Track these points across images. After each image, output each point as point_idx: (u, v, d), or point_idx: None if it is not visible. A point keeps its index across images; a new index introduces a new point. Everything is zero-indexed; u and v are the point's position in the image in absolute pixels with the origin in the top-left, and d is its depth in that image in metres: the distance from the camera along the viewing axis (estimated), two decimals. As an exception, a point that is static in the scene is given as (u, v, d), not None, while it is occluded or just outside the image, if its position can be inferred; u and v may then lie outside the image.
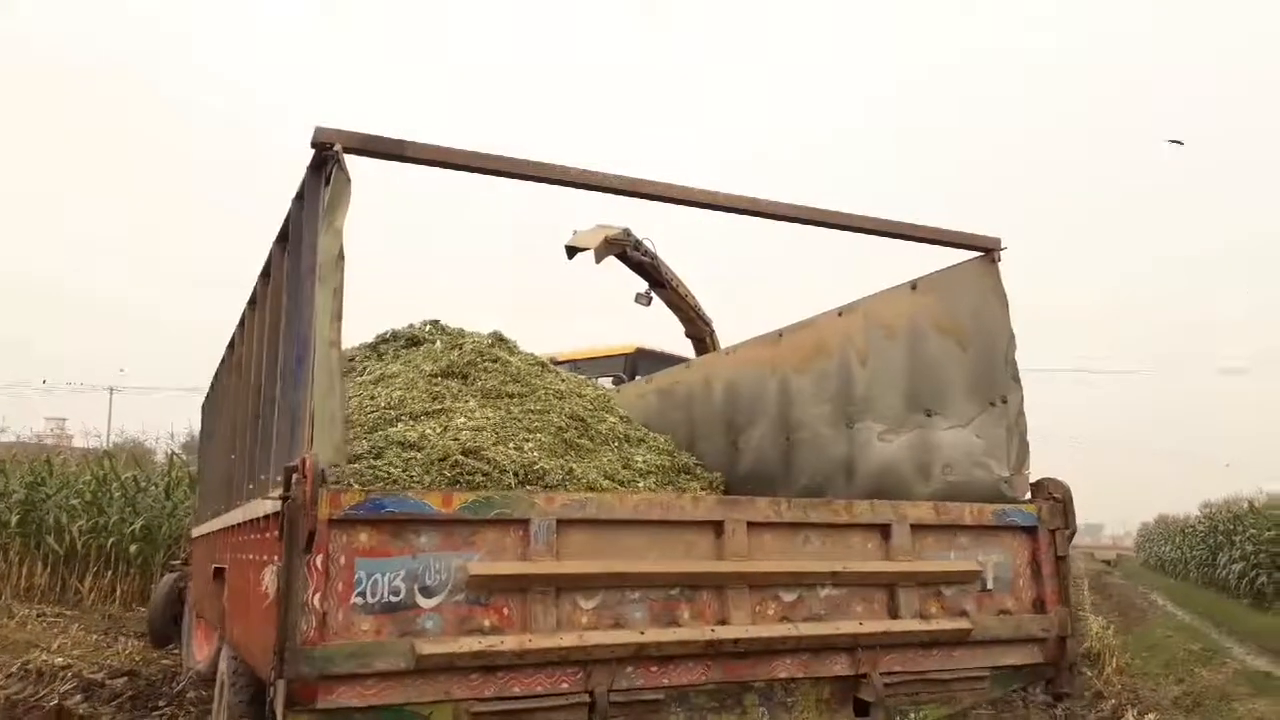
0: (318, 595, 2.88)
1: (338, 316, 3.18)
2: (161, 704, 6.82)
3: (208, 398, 7.48)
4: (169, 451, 19.21)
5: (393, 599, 2.99)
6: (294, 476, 2.92)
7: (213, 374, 6.92)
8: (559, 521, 3.23)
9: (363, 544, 2.99)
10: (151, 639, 8.60)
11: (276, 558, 2.97)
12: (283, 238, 3.94)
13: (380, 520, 3.01)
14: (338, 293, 3.19)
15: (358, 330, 6.42)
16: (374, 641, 2.94)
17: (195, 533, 7.16)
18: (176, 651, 8.38)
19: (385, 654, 2.93)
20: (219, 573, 5.01)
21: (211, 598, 5.34)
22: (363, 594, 2.96)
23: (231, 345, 5.83)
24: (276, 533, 3.03)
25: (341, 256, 3.21)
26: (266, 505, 3.40)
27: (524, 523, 3.19)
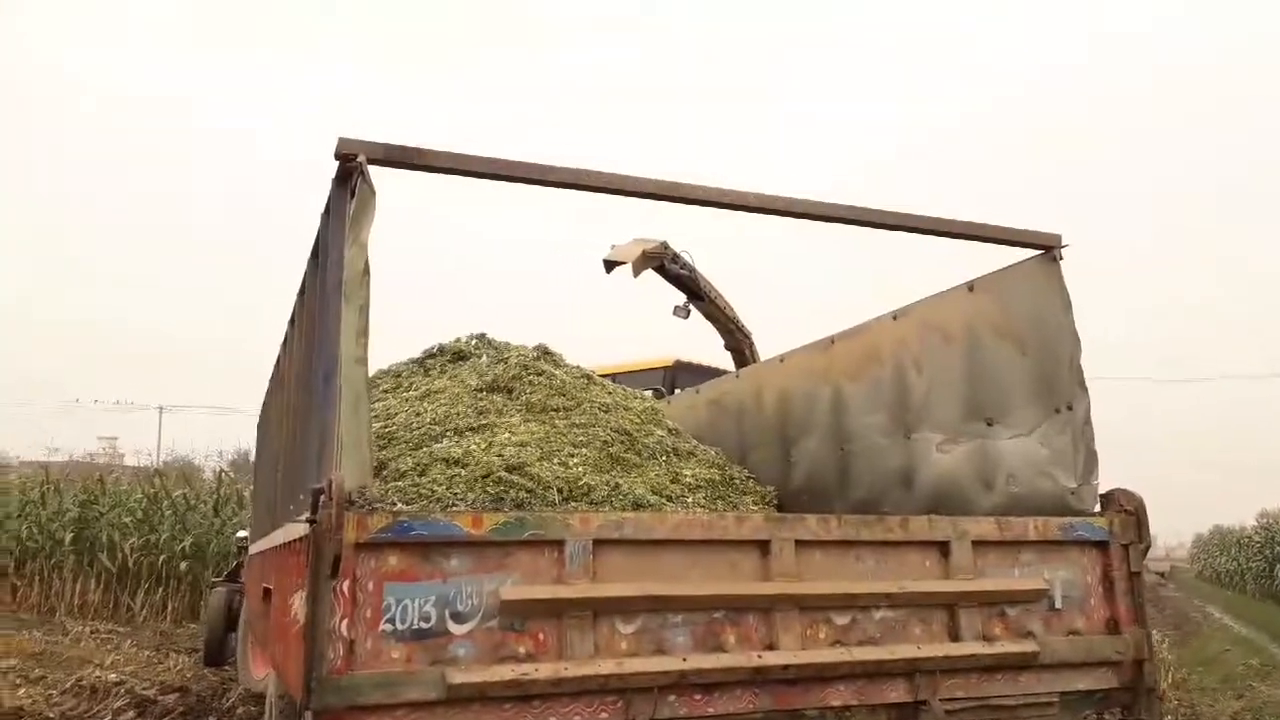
0: (345, 622, 2.80)
1: (363, 333, 3.13)
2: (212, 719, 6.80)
3: (261, 417, 7.59)
4: (217, 469, 19.58)
5: (423, 625, 2.91)
6: (320, 499, 2.85)
7: (265, 393, 6.98)
8: (595, 542, 3.14)
9: (391, 568, 2.92)
10: (206, 656, 8.69)
11: (305, 583, 2.90)
12: (314, 254, 3.93)
13: (409, 544, 2.94)
14: (364, 309, 3.15)
15: (405, 345, 6.42)
16: (403, 670, 2.86)
17: (251, 550, 7.21)
18: (228, 669, 8.43)
19: (415, 683, 2.85)
20: (267, 593, 4.98)
21: (261, 618, 5.32)
22: (391, 620, 2.88)
23: (277, 363, 5.86)
24: (305, 557, 2.96)
25: (367, 271, 3.18)
26: (298, 528, 3.33)
27: (558, 544, 3.11)
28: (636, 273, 8.43)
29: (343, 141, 3.21)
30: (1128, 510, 3.93)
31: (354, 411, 3.08)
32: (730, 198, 3.83)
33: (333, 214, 3.44)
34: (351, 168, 3.23)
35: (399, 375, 5.96)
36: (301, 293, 4.47)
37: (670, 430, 5.57)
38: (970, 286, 4.62)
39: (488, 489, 4.15)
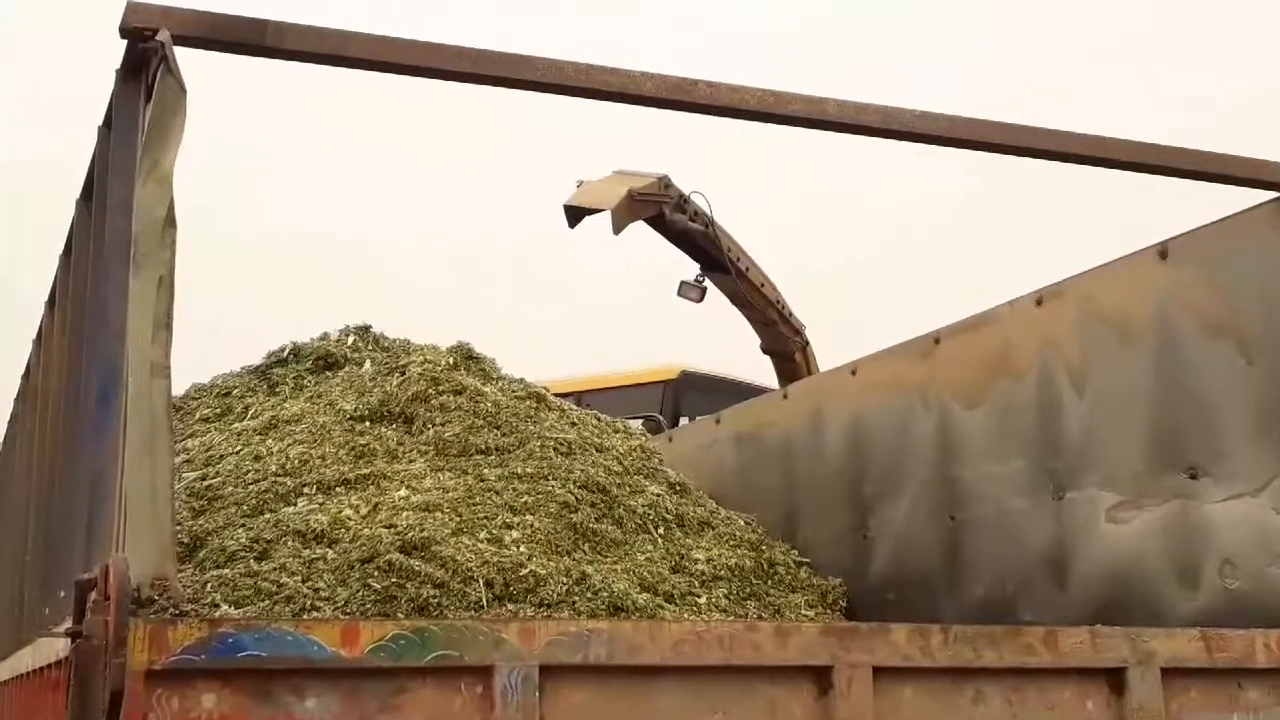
0: None
1: (165, 324, 3.14)
2: None
3: (3, 455, 7.52)
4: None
5: None
6: (89, 598, 2.84)
7: (9, 417, 6.96)
8: (544, 669, 3.14)
9: (207, 713, 2.88)
10: None
11: None
12: (86, 193, 3.94)
13: (237, 671, 2.91)
14: (166, 282, 3.15)
15: (235, 347, 6.41)
16: None
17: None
18: None
19: None
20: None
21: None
22: None
23: (27, 371, 5.85)
24: (64, 695, 2.96)
25: (172, 222, 3.17)
26: (56, 645, 3.32)
27: (484, 672, 3.10)
28: (619, 226, 8.46)
29: (133, 8, 3.21)
30: None
31: (147, 452, 3.08)
32: (784, 105, 3.89)
33: (116, 127, 3.45)
34: (148, 50, 3.24)
35: (228, 394, 5.99)
36: (66, 255, 4.47)
37: (673, 485, 5.62)
38: (1162, 252, 4.67)
39: (369, 582, 4.18)
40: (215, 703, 2.88)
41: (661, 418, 9.27)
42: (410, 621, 3.23)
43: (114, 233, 3.42)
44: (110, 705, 2.77)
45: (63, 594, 3.77)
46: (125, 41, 3.28)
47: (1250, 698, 3.81)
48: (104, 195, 3.58)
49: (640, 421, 8.54)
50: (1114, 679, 3.66)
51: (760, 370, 10.03)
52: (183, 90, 3.20)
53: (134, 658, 2.79)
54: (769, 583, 5.24)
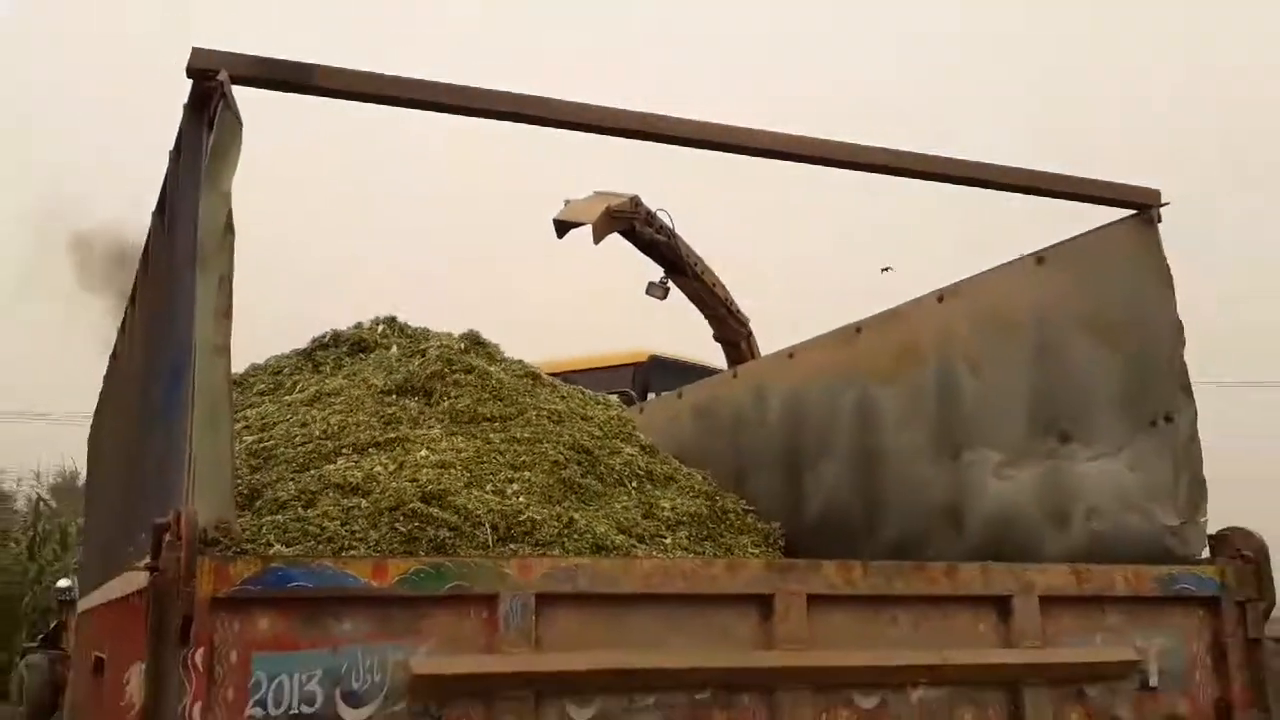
0: (198, 706, 2.76)
1: (225, 313, 3.11)
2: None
3: (93, 427, 7.52)
4: (33, 496, 19.17)
5: (305, 709, 2.89)
6: (164, 539, 2.82)
7: (99, 394, 6.91)
8: (539, 598, 3.14)
9: (262, 633, 2.89)
10: None
11: (144, 652, 2.85)
12: (159, 208, 3.93)
13: (287, 599, 2.91)
14: (225, 281, 3.13)
15: (288, 334, 6.34)
16: None
17: (80, 605, 7.13)
18: None
19: None
20: (99, 664, 4.92)
21: (92, 698, 5.25)
22: (262, 703, 2.85)
23: (114, 355, 5.81)
24: (144, 617, 2.91)
25: (230, 229, 3.16)
26: (138, 578, 3.30)
27: (490, 600, 3.10)
28: (598, 237, 8.50)
29: (198, 53, 3.18)
30: (1245, 556, 3.97)
31: (211, 420, 3.05)
32: (726, 136, 3.90)
33: (184, 153, 3.44)
34: (210, 89, 3.20)
35: (279, 372, 5.93)
36: (144, 260, 4.45)
37: (643, 447, 5.58)
38: (1039, 258, 4.67)
39: (397, 526, 4.14)
40: (269, 625, 2.89)
41: (633, 393, 9.25)
42: (429, 558, 3.21)
43: (183, 239, 3.40)
44: (182, 627, 2.77)
45: (143, 536, 3.75)
46: (191, 81, 3.25)
47: (1111, 621, 3.82)
48: (175, 209, 3.54)
49: (616, 396, 8.55)
50: (1001, 606, 3.67)
51: (714, 355, 10.06)
52: (239, 122, 3.18)
53: (201, 588, 2.80)
54: (721, 527, 5.21)
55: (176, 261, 3.42)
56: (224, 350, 3.10)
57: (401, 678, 2.96)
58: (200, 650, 2.78)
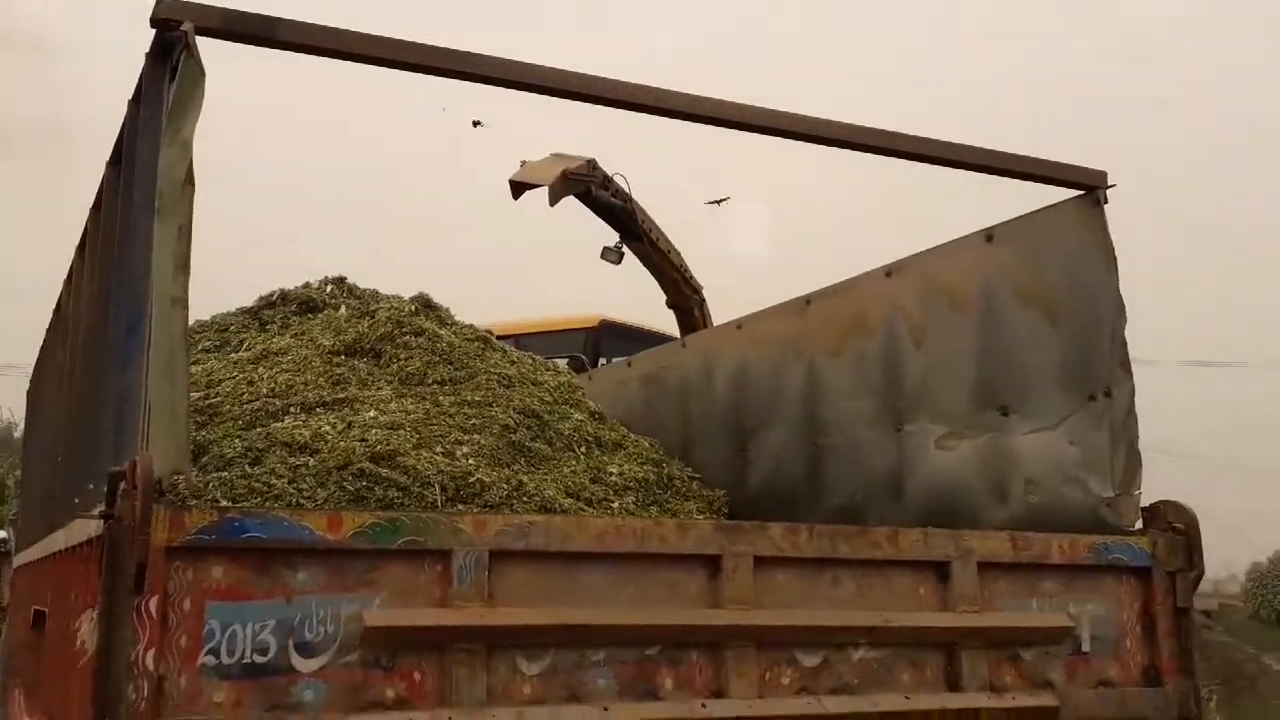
0: (151, 653, 2.78)
1: (183, 266, 3.11)
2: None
3: (34, 378, 7.42)
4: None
5: (258, 659, 2.91)
6: (120, 487, 2.82)
7: (40, 345, 6.82)
8: (493, 554, 3.17)
9: (216, 582, 2.91)
10: None
11: (97, 600, 2.86)
12: (115, 156, 3.88)
13: (241, 549, 2.93)
14: (185, 231, 3.13)
15: (232, 290, 6.31)
16: (230, 719, 2.84)
17: (17, 561, 7.07)
18: None
19: None
20: (39, 618, 4.89)
21: (29, 651, 5.22)
22: (215, 651, 2.87)
23: (59, 307, 5.73)
24: (97, 565, 2.93)
25: (190, 180, 3.15)
26: (89, 527, 3.29)
27: (444, 555, 3.13)
28: (554, 199, 8.48)
29: (162, 3, 3.17)
30: (1176, 529, 4.07)
31: (168, 371, 3.06)
32: (704, 107, 3.95)
33: (145, 101, 3.40)
34: (173, 38, 3.19)
35: (225, 330, 5.88)
36: (96, 209, 4.39)
37: (592, 414, 5.61)
38: (988, 235, 4.73)
39: (344, 485, 4.15)
40: (223, 574, 2.91)
41: (584, 357, 9.27)
42: (384, 512, 3.22)
43: (141, 190, 3.37)
44: (136, 574, 2.78)
45: (91, 486, 3.74)
46: (154, 30, 3.23)
47: (1046, 587, 3.91)
48: (132, 158, 3.52)
49: (565, 361, 8.55)
50: (941, 570, 3.75)
51: (666, 321, 10.10)
52: (202, 72, 3.17)
53: (156, 536, 2.81)
54: (668, 493, 5.25)
55: (133, 211, 3.40)
56: (182, 302, 3.10)
57: (354, 629, 2.98)
58: (154, 598, 2.79)
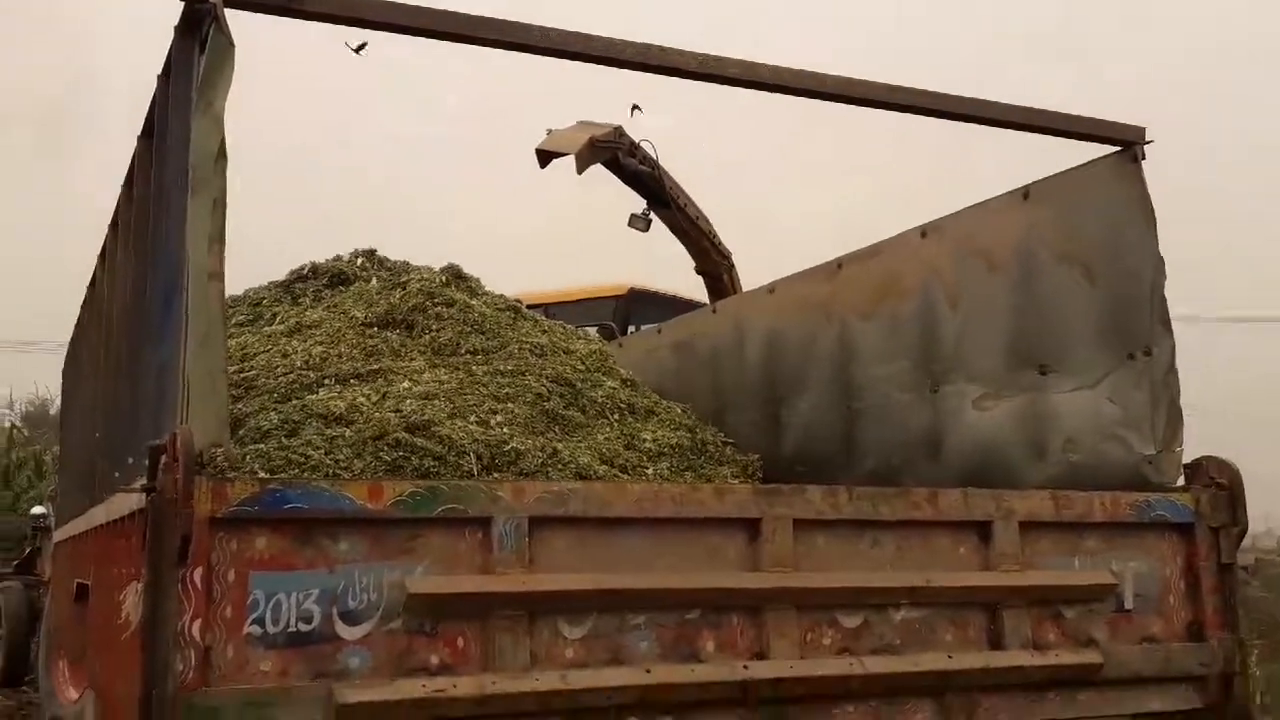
0: (197, 623, 2.82)
1: (219, 238, 3.12)
2: (6, 756, 6.86)
3: (69, 355, 7.49)
4: (6, 424, 19.10)
5: (303, 628, 2.94)
6: (161, 460, 2.84)
7: (75, 322, 6.88)
8: (532, 520, 3.19)
9: (259, 553, 2.93)
10: (1, 671, 8.76)
11: (141, 573, 2.89)
12: (147, 130, 3.88)
13: (283, 520, 2.95)
14: (219, 204, 3.13)
15: (265, 264, 6.34)
16: (277, 687, 2.88)
17: (57, 537, 7.16)
18: (27, 689, 8.48)
19: (293, 703, 2.87)
20: (82, 591, 4.96)
21: (74, 624, 5.30)
22: (260, 621, 2.90)
23: (93, 283, 5.77)
24: (140, 539, 2.95)
25: (223, 154, 3.15)
26: (130, 500, 3.32)
27: (484, 522, 3.15)
28: (581, 168, 8.46)
29: (191, -24, 3.17)
30: (1220, 484, 4.05)
31: (205, 345, 3.07)
32: (729, 69, 3.92)
33: (175, 75, 3.41)
34: (202, 10, 3.19)
35: (258, 304, 5.92)
36: (129, 185, 4.40)
37: (624, 381, 5.62)
38: (1025, 194, 4.69)
39: (381, 455, 4.16)
40: (266, 544, 2.94)
41: (614, 325, 9.28)
42: (424, 481, 3.24)
43: (174, 164, 3.38)
44: (180, 546, 2.81)
45: (131, 461, 3.77)
46: (183, 3, 3.24)
47: (1089, 545, 3.91)
48: (164, 132, 3.53)
49: (595, 329, 8.56)
50: (982, 530, 3.74)
51: (695, 288, 10.03)
52: (231, 44, 3.17)
53: (199, 508, 2.84)
54: (701, 458, 5.25)
55: (166, 186, 3.41)
56: (218, 275, 3.10)
57: (397, 597, 3.01)
58: (198, 569, 2.82)
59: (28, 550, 9.56)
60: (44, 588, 8.07)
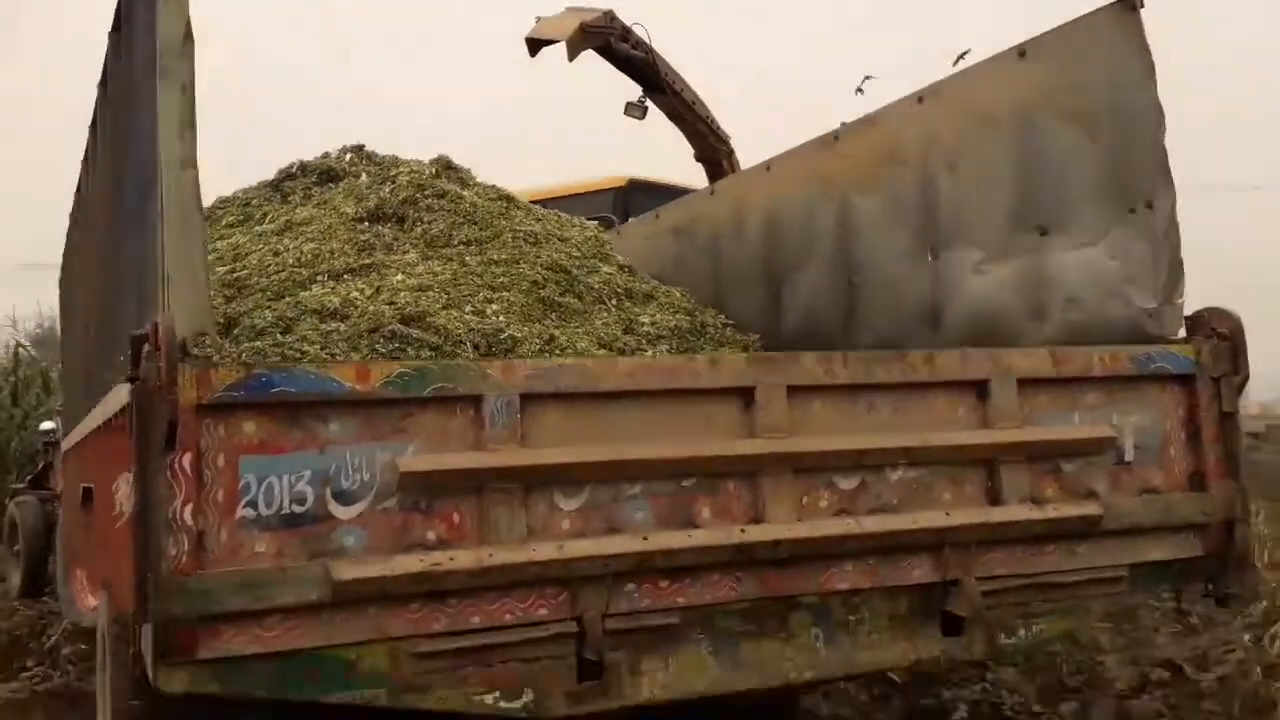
0: (189, 508, 2.84)
1: (190, 124, 3.09)
2: (30, 663, 7.06)
3: (63, 265, 7.50)
4: (14, 345, 19.13)
5: (296, 509, 2.97)
6: (144, 349, 2.85)
7: (65, 233, 6.88)
8: (524, 397, 3.20)
9: (248, 437, 2.95)
10: (21, 586, 8.92)
11: (130, 462, 2.92)
12: (117, 25, 3.82)
13: (271, 404, 2.96)
14: (187, 90, 3.10)
15: (253, 164, 6.29)
16: (274, 567, 2.92)
17: (65, 445, 7.24)
18: (48, 599, 8.65)
19: (290, 583, 2.91)
20: (87, 494, 5.02)
21: (83, 528, 5.36)
22: (253, 504, 2.93)
23: (78, 189, 5.75)
24: (129, 431, 2.98)
25: (190, 36, 3.11)
26: (121, 395, 3.33)
27: (474, 400, 3.16)
28: (572, 55, 8.41)
29: None
30: (1221, 334, 4.02)
31: (182, 231, 3.06)
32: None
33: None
34: None
35: (248, 204, 5.90)
36: (103, 83, 4.37)
37: (621, 267, 5.60)
38: (1021, 51, 4.60)
39: (377, 348, 4.18)
40: (254, 429, 2.95)
41: (614, 218, 9.21)
42: (413, 362, 3.23)
43: (141, 52, 3.34)
44: (168, 433, 2.82)
45: (121, 358, 3.78)
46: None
47: (1088, 400, 3.88)
48: (131, 21, 3.47)
49: (595, 222, 8.52)
50: (980, 389, 3.73)
51: (694, 177, 9.94)
52: None
53: (184, 395, 2.84)
54: (701, 340, 5.24)
55: (135, 76, 3.37)
56: (190, 162, 3.08)
57: (390, 475, 3.03)
58: (187, 455, 2.83)
59: (40, 465, 9.67)
60: (57, 500, 8.18)
